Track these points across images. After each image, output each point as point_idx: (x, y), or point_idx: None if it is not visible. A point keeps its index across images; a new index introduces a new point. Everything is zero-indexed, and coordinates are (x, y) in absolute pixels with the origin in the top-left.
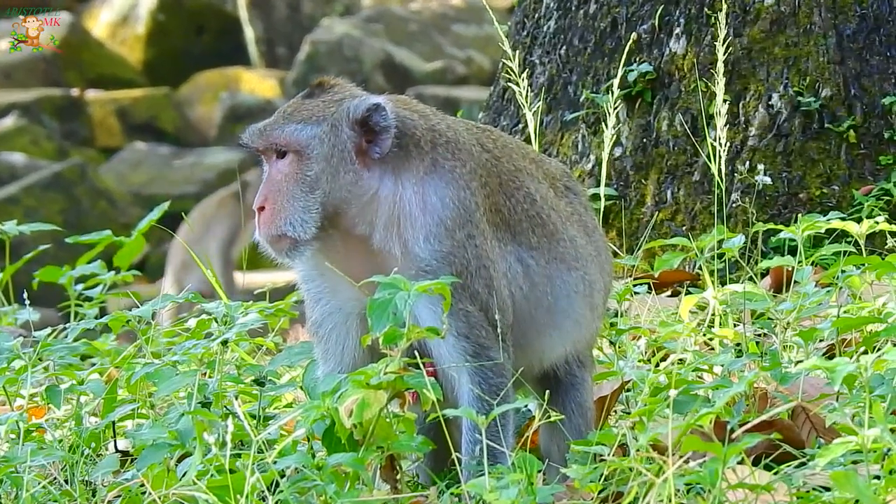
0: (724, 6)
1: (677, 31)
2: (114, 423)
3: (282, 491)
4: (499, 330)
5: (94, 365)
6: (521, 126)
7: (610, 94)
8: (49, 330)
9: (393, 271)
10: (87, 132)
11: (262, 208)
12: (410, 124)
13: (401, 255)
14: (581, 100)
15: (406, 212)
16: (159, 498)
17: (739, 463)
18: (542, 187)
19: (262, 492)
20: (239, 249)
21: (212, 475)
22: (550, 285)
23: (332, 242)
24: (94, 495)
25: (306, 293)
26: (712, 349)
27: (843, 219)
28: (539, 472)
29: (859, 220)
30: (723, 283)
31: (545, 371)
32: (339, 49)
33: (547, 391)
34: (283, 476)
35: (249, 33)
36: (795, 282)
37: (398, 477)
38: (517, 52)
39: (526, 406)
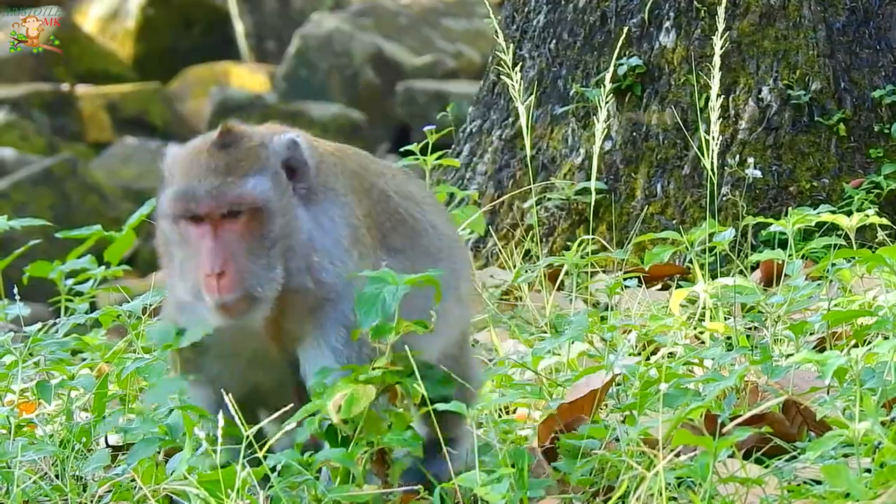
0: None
1: (667, 24)
2: (105, 418)
3: (272, 486)
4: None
5: (84, 360)
6: (511, 120)
7: (601, 88)
8: (39, 325)
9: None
10: (77, 127)
11: (221, 273)
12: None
13: (313, 286)
14: (571, 94)
15: (315, 241)
16: (150, 493)
17: (730, 456)
18: (392, 181)
19: (253, 486)
20: None
21: (202, 470)
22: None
23: None
24: (84, 490)
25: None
26: (703, 343)
27: (833, 212)
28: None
29: (849, 214)
30: (713, 277)
31: None
32: (329, 43)
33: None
34: (273, 471)
35: (239, 28)
36: (786, 275)
37: (388, 471)
38: (508, 46)
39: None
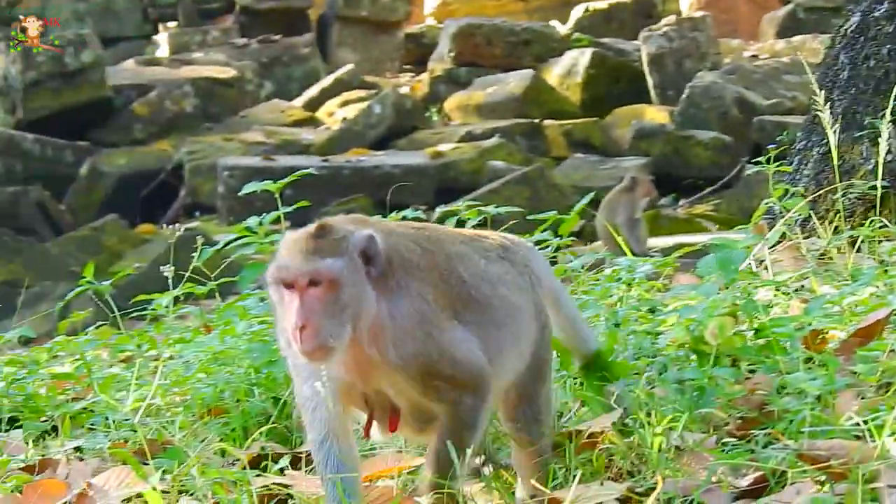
0: None
1: None
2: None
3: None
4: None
5: None
6: (824, 141)
7: (884, 119)
8: None
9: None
10: (544, 147)
11: (303, 327)
12: (385, 248)
13: (379, 357)
14: (865, 123)
15: (379, 323)
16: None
17: None
18: (471, 264)
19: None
20: (640, 220)
21: None
22: (485, 346)
23: None
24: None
25: (300, 371)
26: None
27: None
28: None
29: None
30: None
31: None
32: (707, 92)
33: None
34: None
35: (650, 81)
36: None
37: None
38: (822, 92)
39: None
